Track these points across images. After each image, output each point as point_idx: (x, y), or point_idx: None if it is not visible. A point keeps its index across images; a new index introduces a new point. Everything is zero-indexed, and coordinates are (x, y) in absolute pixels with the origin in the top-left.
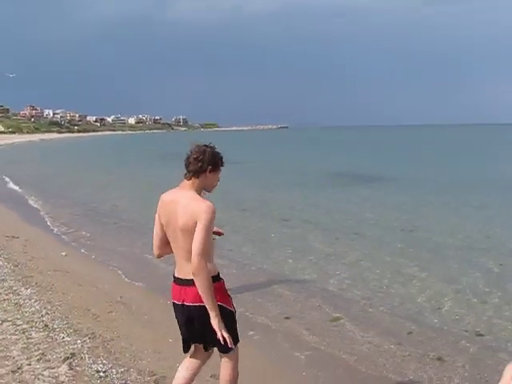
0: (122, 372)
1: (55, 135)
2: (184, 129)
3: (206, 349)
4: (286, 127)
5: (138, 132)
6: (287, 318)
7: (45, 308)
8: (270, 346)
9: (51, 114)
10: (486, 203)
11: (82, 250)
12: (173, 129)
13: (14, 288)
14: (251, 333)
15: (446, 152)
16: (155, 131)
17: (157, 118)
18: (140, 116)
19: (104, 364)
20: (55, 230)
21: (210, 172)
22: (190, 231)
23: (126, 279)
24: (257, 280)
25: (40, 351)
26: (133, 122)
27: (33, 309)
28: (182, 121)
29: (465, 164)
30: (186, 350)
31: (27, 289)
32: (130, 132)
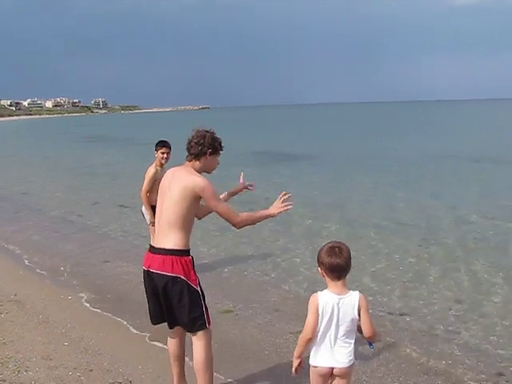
0: None
1: None
2: (104, 111)
3: (170, 327)
4: (208, 108)
5: (56, 116)
6: None
7: None
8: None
9: None
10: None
11: None
12: (92, 112)
13: None
14: None
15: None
16: (74, 115)
17: (75, 100)
18: (58, 99)
19: None
20: None
21: (209, 155)
22: (178, 199)
23: (26, 272)
24: None
25: None
26: (50, 106)
27: None
28: (101, 103)
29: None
30: (153, 322)
31: None
32: (47, 116)
